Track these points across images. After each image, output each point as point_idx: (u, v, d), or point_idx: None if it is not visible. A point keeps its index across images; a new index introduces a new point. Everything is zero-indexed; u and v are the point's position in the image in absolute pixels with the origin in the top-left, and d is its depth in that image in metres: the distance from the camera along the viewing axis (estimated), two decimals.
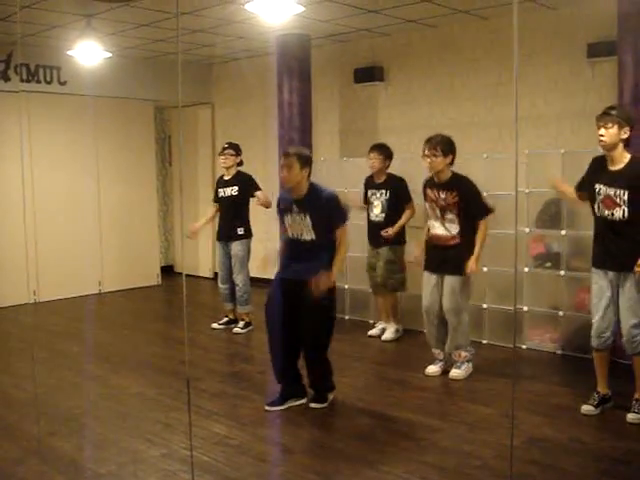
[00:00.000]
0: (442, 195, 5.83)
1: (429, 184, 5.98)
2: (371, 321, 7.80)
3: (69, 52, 7.86)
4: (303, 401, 5.34)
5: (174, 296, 10.08)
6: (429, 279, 5.99)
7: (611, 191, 4.83)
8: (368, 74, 8.84)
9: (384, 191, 7.06)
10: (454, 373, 5.98)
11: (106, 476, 4.16)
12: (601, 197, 4.90)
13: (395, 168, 7.16)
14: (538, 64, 7.38)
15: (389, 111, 8.83)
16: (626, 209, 4.79)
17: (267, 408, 5.25)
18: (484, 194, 6.13)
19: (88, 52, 7.70)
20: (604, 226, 4.96)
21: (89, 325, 8.20)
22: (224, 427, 4.93)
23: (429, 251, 6.04)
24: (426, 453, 4.44)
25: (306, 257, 5.17)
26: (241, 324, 7.71)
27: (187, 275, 11.14)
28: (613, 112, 4.81)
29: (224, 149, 7.61)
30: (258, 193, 7.48)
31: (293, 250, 5.29)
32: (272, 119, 9.15)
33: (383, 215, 7.08)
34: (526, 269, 6.75)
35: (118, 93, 9.93)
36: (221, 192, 7.63)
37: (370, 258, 7.30)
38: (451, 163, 5.84)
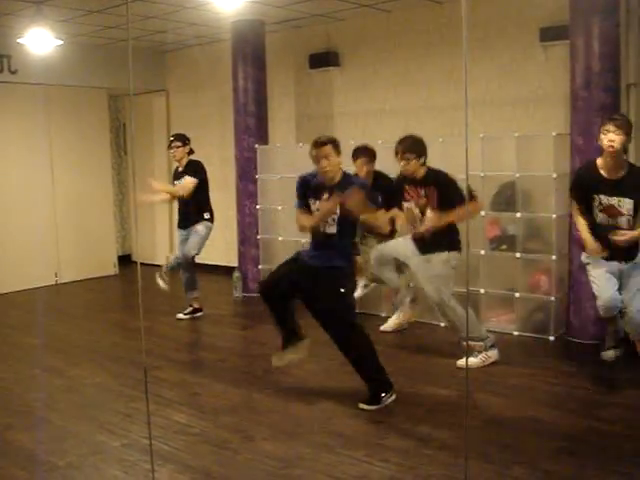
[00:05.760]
0: (421, 191, 5.78)
1: (407, 181, 5.90)
2: None
3: (19, 40, 7.71)
4: (305, 341, 5.37)
5: (131, 285, 10.01)
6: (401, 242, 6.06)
7: (614, 200, 4.85)
8: (323, 59, 8.81)
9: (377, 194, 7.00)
10: (471, 361, 5.82)
11: (66, 468, 4.13)
12: (602, 207, 4.91)
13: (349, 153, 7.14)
14: (491, 48, 7.42)
15: (344, 96, 8.82)
16: (631, 219, 4.85)
17: (274, 362, 5.37)
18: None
19: (39, 40, 7.54)
20: (606, 231, 4.94)
21: (46, 317, 8.09)
22: (184, 416, 4.93)
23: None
24: (385, 436, 4.48)
25: (325, 248, 5.12)
26: (188, 310, 7.72)
27: (144, 264, 11.02)
28: (620, 118, 4.85)
29: (171, 142, 7.51)
30: (187, 178, 7.36)
31: (313, 240, 5.23)
32: (227, 106, 9.11)
33: None
34: (482, 252, 6.82)
35: (71, 81, 9.77)
36: (177, 183, 7.55)
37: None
38: (424, 163, 5.83)
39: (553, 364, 5.84)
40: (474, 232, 6.77)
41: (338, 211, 5.02)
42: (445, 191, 5.69)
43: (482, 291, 6.85)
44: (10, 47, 8.81)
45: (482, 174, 6.71)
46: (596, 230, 5.03)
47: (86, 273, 10.30)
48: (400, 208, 6.02)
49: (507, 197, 6.76)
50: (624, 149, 4.89)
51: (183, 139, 7.50)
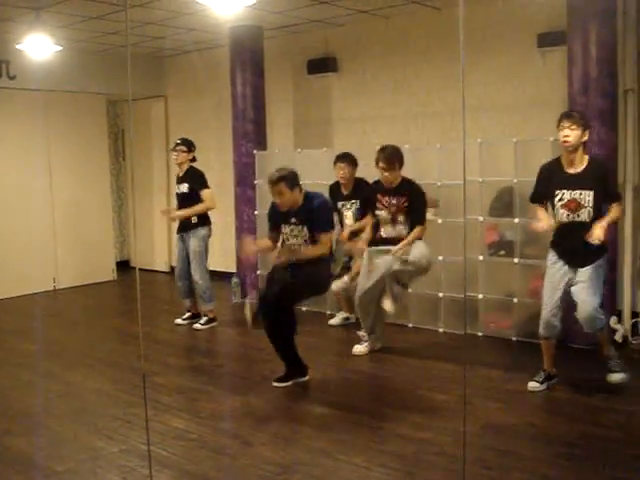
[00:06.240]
0: (393, 201, 6.12)
1: (380, 190, 6.21)
2: (328, 312, 7.84)
3: (18, 46, 7.71)
4: (306, 378, 5.66)
5: (130, 291, 10.00)
6: (374, 258, 6.20)
7: (576, 194, 4.93)
8: (321, 65, 8.82)
9: (354, 202, 7.12)
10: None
11: (64, 474, 4.12)
12: (564, 202, 4.97)
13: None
14: (489, 54, 7.43)
15: (343, 102, 8.83)
16: (591, 210, 4.91)
17: (275, 384, 5.57)
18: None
19: (38, 46, 7.55)
20: (567, 230, 5.03)
21: (44, 322, 8.09)
22: (182, 421, 4.92)
23: (375, 242, 6.28)
24: (384, 441, 4.47)
25: (300, 264, 5.43)
26: (203, 320, 7.58)
27: (143, 270, 11.05)
28: (576, 114, 4.99)
29: (176, 145, 7.45)
30: (204, 192, 7.33)
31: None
32: (226, 111, 9.11)
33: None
34: (481, 257, 6.82)
35: (69, 87, 9.77)
36: (176, 189, 7.53)
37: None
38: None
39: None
40: (472, 238, 6.78)
41: (307, 232, 5.44)
42: (415, 200, 6.11)
43: (480, 297, 6.84)
44: (9, 53, 8.82)
45: (480, 179, 6.71)
46: (559, 230, 5.10)
47: (84, 279, 10.29)
48: (373, 215, 6.32)
49: (505, 202, 6.76)
50: (582, 143, 4.99)
51: (189, 145, 7.46)
